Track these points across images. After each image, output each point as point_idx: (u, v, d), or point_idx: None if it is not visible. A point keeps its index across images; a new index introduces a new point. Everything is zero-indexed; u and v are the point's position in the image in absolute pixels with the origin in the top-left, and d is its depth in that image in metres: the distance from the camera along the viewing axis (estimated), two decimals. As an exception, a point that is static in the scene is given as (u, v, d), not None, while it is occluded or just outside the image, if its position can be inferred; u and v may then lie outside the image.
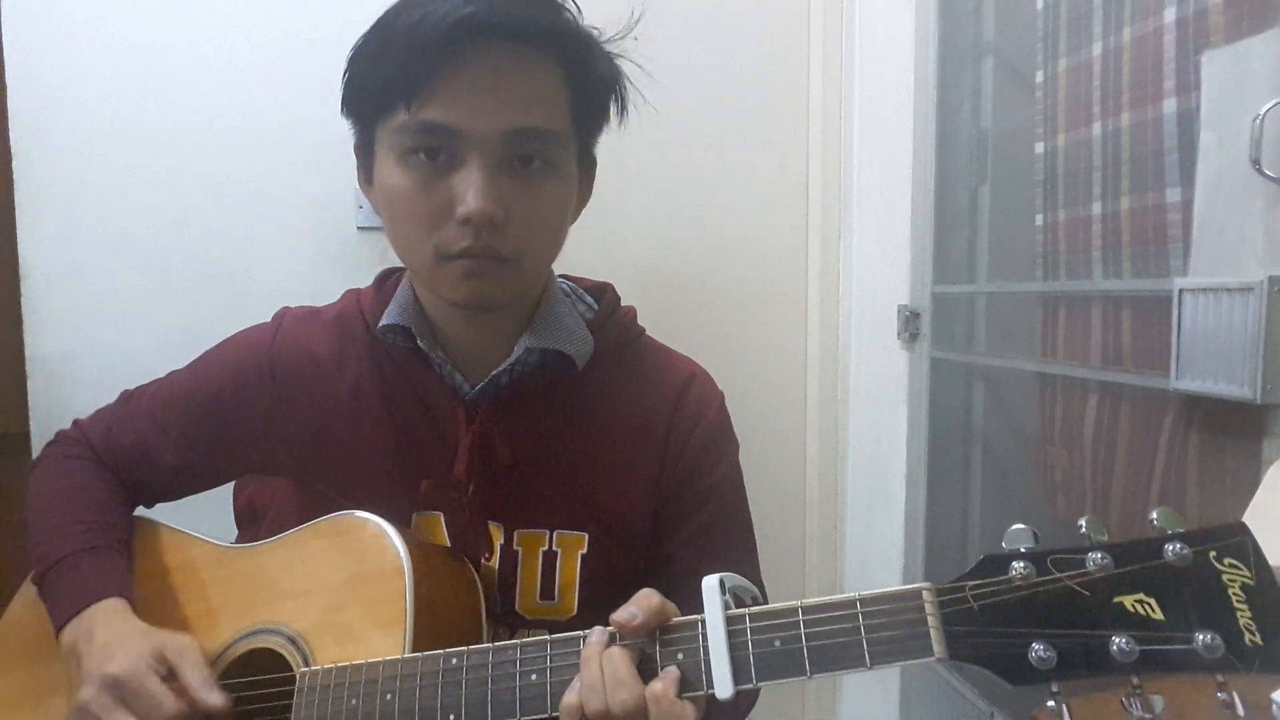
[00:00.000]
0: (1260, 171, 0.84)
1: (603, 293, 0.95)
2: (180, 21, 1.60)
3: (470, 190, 0.74)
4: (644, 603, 0.66)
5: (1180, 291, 0.94)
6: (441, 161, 0.76)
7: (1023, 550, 0.56)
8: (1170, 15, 1.01)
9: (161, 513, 0.99)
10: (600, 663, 0.64)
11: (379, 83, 0.77)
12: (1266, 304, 0.84)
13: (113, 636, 0.78)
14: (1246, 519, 0.76)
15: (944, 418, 1.57)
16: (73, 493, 0.92)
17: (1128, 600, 0.54)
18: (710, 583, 0.64)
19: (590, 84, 0.80)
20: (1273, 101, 0.83)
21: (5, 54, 1.55)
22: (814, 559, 1.92)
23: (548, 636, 0.68)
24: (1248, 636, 0.51)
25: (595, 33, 0.81)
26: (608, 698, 0.63)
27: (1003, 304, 1.44)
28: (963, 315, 1.52)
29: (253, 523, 1.08)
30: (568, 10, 0.79)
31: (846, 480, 1.88)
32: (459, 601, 0.82)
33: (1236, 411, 0.91)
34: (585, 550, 0.87)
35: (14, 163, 1.57)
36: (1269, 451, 0.87)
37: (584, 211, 0.90)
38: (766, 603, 0.67)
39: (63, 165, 1.58)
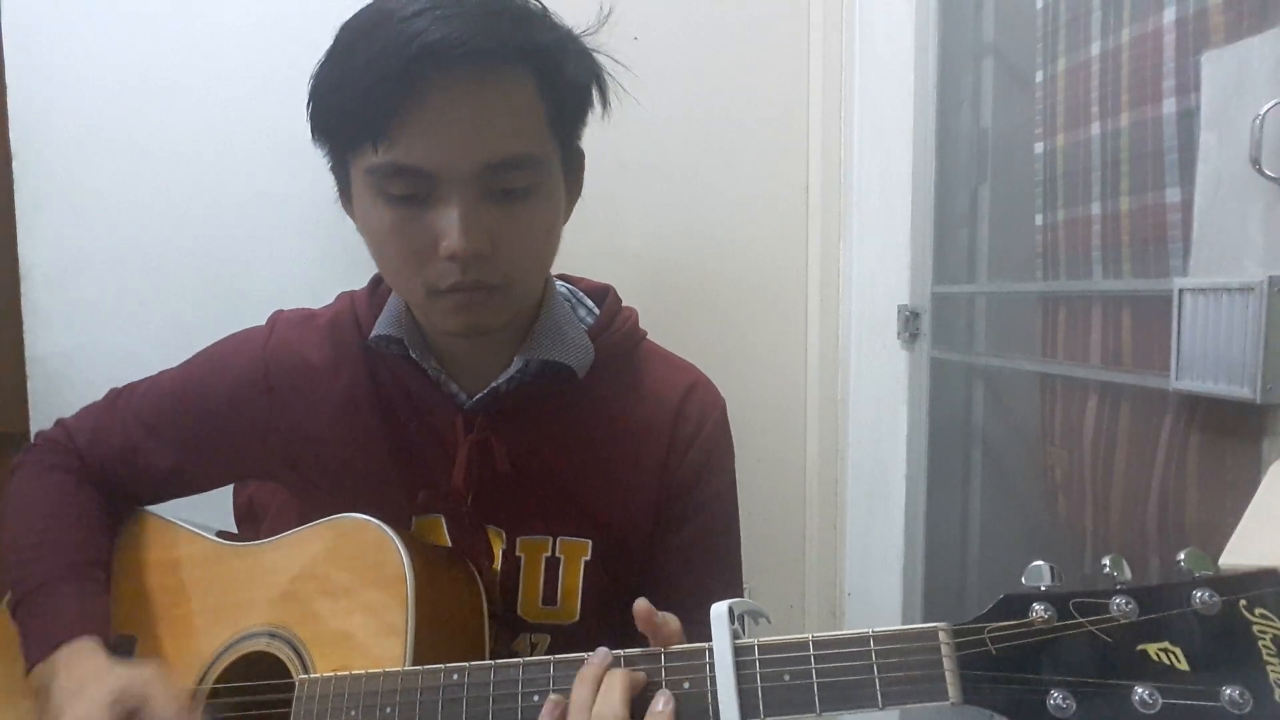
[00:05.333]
0: (1260, 171, 0.84)
1: (604, 297, 0.94)
2: (180, 22, 1.60)
3: (453, 229, 0.71)
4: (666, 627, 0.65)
5: (1180, 291, 0.94)
6: (420, 198, 0.73)
7: (1043, 589, 0.55)
8: (1170, 15, 1.01)
9: (163, 507, 0.98)
10: (593, 684, 0.62)
11: (344, 118, 0.73)
12: (1266, 304, 0.84)
13: (74, 684, 0.77)
14: (1246, 519, 0.76)
15: (944, 418, 1.57)
16: (48, 509, 0.90)
17: (1152, 649, 0.52)
18: (719, 610, 0.62)
19: (566, 88, 0.76)
20: (1273, 101, 0.83)
21: (5, 54, 1.55)
22: (813, 559, 1.92)
23: (551, 658, 0.67)
24: (1278, 693, 0.49)
25: (566, 31, 0.77)
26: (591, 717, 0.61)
27: (1003, 304, 1.44)
28: (963, 315, 1.52)
29: (253, 522, 1.07)
30: (536, 18, 0.74)
31: (846, 480, 1.88)
32: (461, 605, 0.81)
33: (1236, 411, 0.90)
34: (589, 557, 0.86)
35: (14, 163, 1.57)
36: (1269, 451, 0.87)
37: (584, 212, 0.88)
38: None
39: (63, 165, 1.58)
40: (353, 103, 0.71)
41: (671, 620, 0.66)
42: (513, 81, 0.72)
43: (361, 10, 0.74)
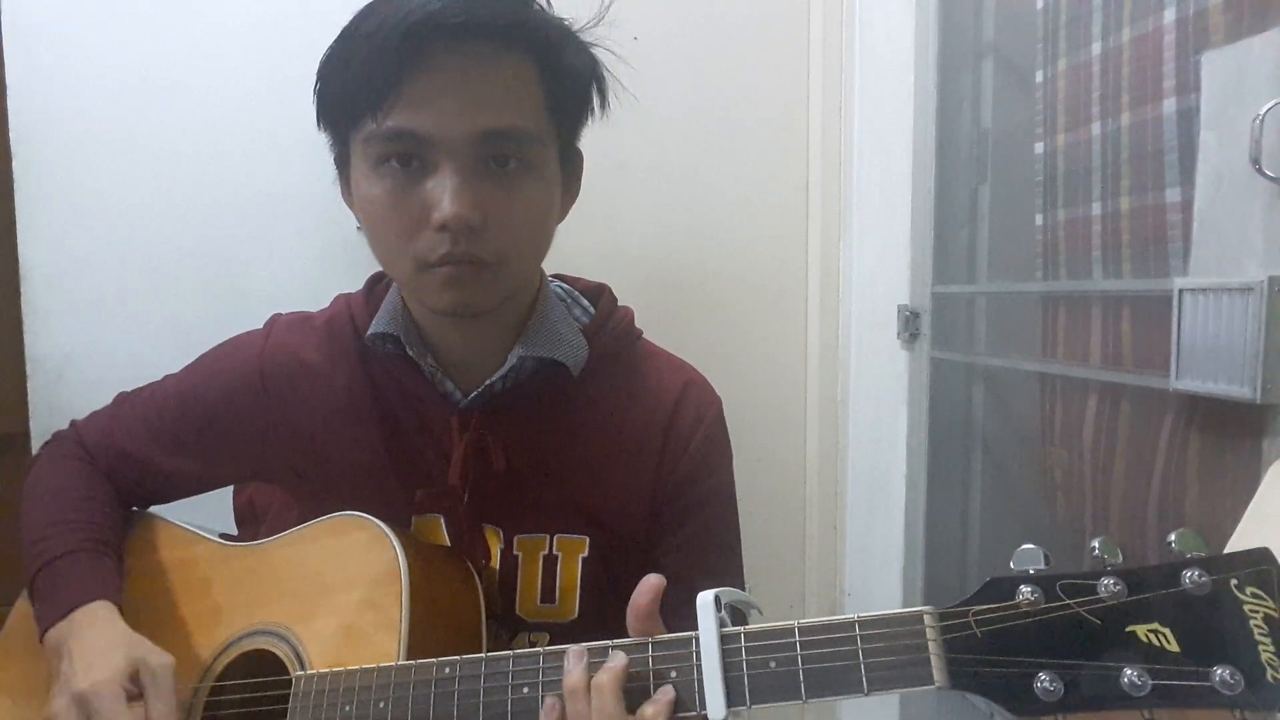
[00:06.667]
0: (1260, 171, 0.84)
1: (599, 295, 0.94)
2: (180, 22, 1.60)
3: (444, 196, 0.72)
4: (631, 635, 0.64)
5: (1180, 291, 0.94)
6: (414, 168, 0.73)
7: (1031, 573, 0.54)
8: (1170, 15, 1.01)
9: (162, 509, 0.99)
10: (586, 696, 0.62)
11: (346, 93, 0.74)
12: (1266, 304, 0.84)
13: (93, 646, 0.78)
14: (1246, 519, 0.76)
15: (944, 418, 1.57)
16: (65, 492, 0.92)
17: (1141, 630, 0.51)
18: (705, 599, 0.62)
19: (566, 78, 0.77)
20: (1273, 101, 0.83)
21: (5, 54, 1.55)
22: (813, 559, 1.92)
23: (540, 649, 0.67)
24: (1270, 672, 0.48)
25: (568, 23, 0.78)
26: None
27: (1003, 304, 1.44)
28: (963, 315, 1.52)
29: (253, 522, 1.07)
30: (536, 3, 0.76)
31: (846, 480, 1.88)
32: (458, 603, 0.82)
33: (1236, 411, 0.90)
34: (586, 554, 0.87)
35: (14, 163, 1.56)
36: (1269, 451, 0.87)
37: (582, 211, 0.88)
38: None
39: (63, 165, 1.58)
40: (354, 76, 0.73)
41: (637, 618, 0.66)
42: (513, 62, 0.74)
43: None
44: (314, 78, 0.78)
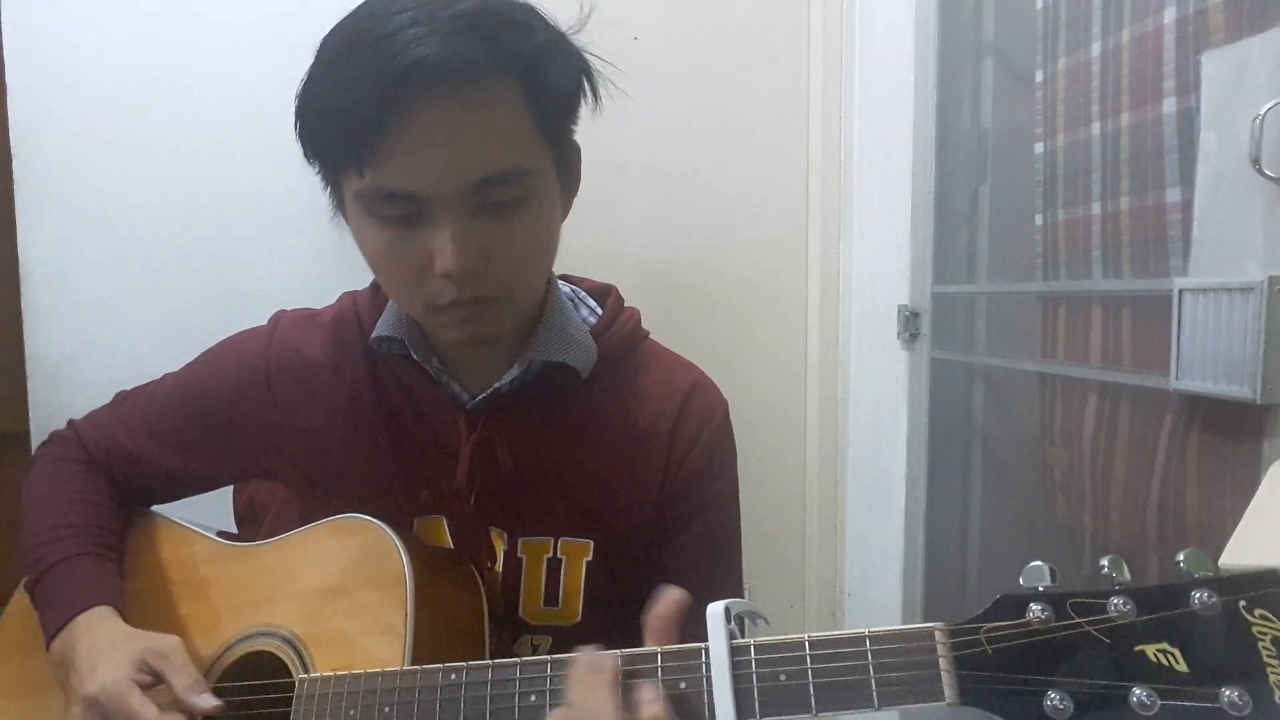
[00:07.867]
0: (1260, 171, 0.84)
1: (606, 296, 0.93)
2: (180, 22, 1.60)
3: (445, 248, 0.70)
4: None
5: (1180, 291, 0.94)
6: (411, 218, 0.72)
7: (1041, 590, 0.54)
8: (1170, 15, 1.01)
9: (163, 508, 0.99)
10: (588, 685, 0.62)
11: (328, 142, 0.72)
12: (1266, 304, 0.84)
13: (95, 650, 0.78)
14: (1246, 519, 0.76)
15: (944, 418, 1.57)
16: (63, 496, 0.91)
17: (1150, 649, 0.51)
18: (715, 610, 0.61)
19: (552, 91, 0.74)
20: (1273, 101, 0.83)
21: (5, 54, 1.55)
22: (813, 559, 1.92)
23: (548, 656, 0.67)
24: (1278, 694, 0.48)
25: (552, 33, 0.75)
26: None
27: (1003, 304, 1.44)
28: (963, 315, 1.52)
29: (253, 523, 1.07)
30: (517, 27, 0.72)
31: (846, 480, 1.88)
32: (461, 607, 0.81)
33: (1236, 411, 0.90)
34: (590, 557, 0.86)
35: (14, 163, 1.56)
36: (1269, 451, 0.87)
37: (582, 212, 0.87)
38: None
39: (63, 165, 1.58)
40: (335, 127, 0.70)
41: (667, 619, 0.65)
42: (496, 92, 0.70)
43: (339, 25, 0.72)
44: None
